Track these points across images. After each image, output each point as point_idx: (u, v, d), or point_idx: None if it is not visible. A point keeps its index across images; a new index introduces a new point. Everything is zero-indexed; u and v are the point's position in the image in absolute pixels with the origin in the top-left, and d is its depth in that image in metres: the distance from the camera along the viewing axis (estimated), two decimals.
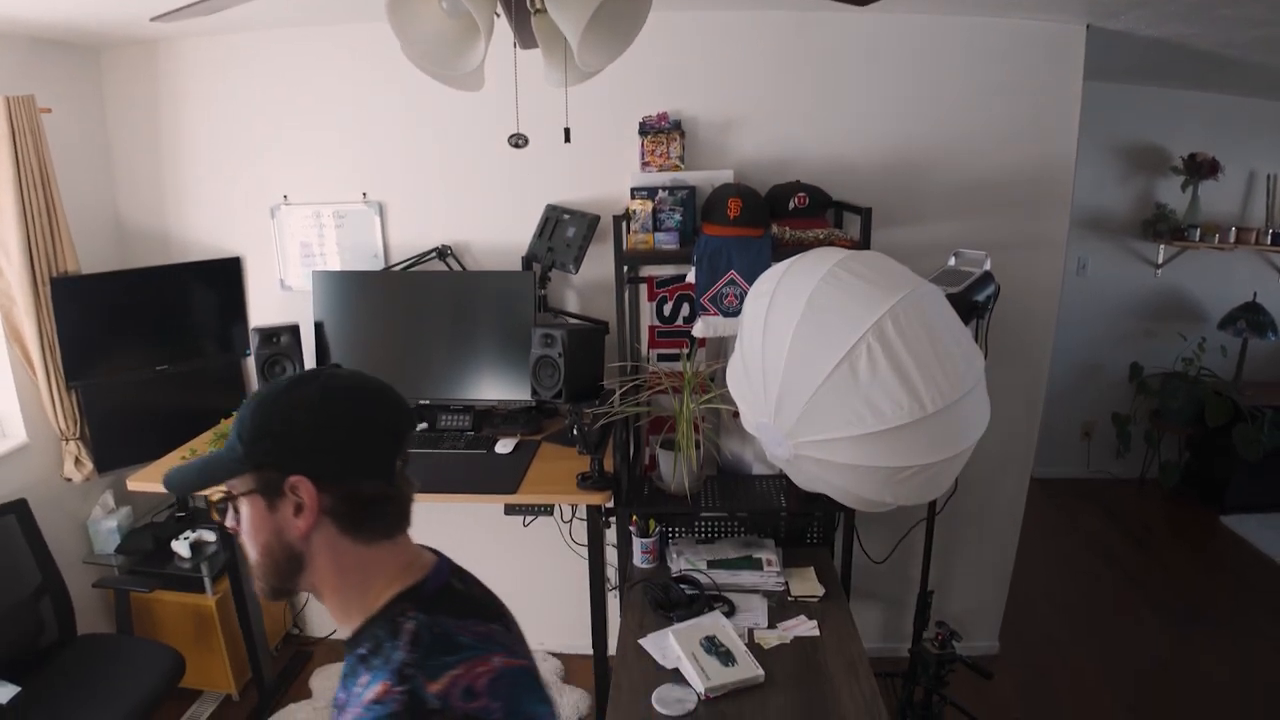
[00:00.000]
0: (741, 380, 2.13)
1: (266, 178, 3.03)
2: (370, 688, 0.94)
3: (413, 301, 2.86)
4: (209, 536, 3.03)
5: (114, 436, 2.97)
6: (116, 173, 3.15)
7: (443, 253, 2.91)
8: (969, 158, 2.76)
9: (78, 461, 2.92)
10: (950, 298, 2.09)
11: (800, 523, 2.79)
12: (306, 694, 3.24)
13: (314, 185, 3.01)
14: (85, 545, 3.07)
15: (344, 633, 1.02)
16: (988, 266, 2.43)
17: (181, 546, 2.97)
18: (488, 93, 1.48)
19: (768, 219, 2.49)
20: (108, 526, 3.05)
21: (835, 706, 1.95)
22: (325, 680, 3.30)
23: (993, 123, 2.73)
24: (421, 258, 2.92)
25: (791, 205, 2.52)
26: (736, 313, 2.36)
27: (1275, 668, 3.26)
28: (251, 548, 1.02)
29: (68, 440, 2.89)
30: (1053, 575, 4.01)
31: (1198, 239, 4.46)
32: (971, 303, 2.36)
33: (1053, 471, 4.96)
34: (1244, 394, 4.41)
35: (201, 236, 3.14)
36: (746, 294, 2.19)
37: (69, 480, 2.94)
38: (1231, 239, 4.45)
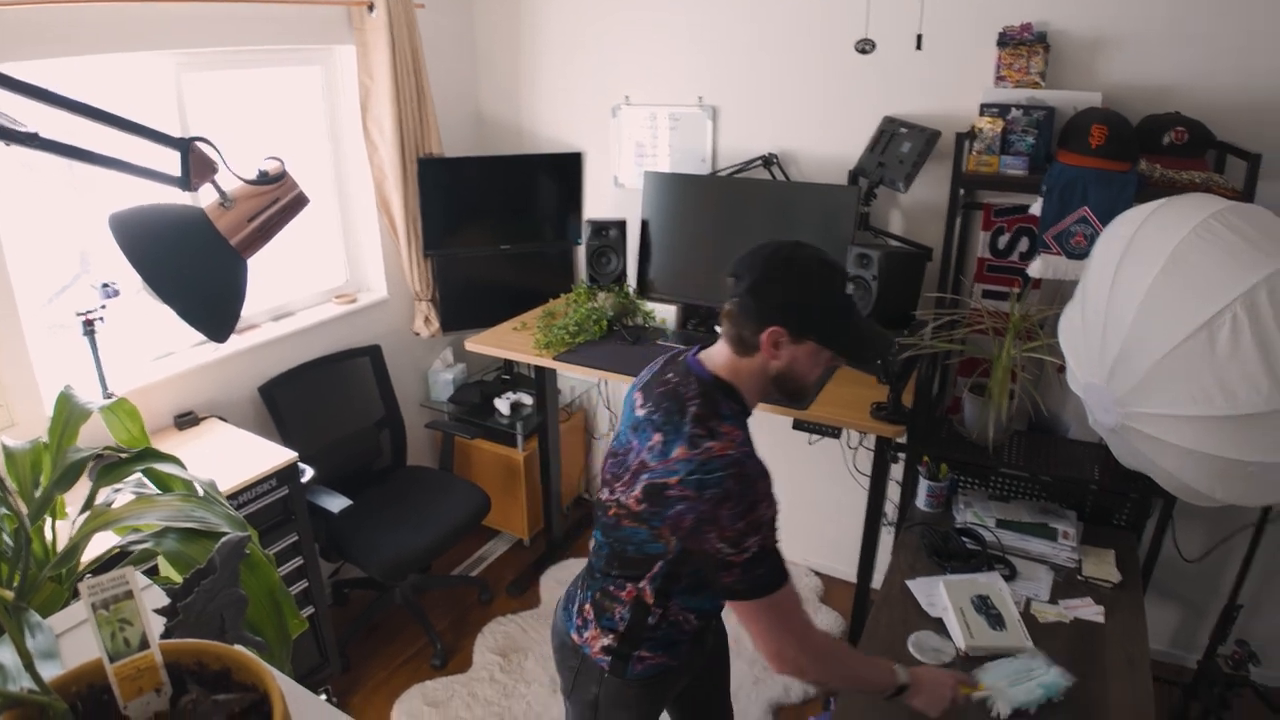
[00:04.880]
0: (1077, 332, 1.95)
1: (611, 77, 3.19)
2: None
3: (734, 207, 2.90)
4: (527, 399, 3.38)
5: (458, 302, 3.36)
6: (479, 66, 3.48)
7: (768, 161, 2.90)
8: None
9: (426, 320, 3.33)
10: None
11: (1110, 501, 2.52)
12: (586, 553, 3.52)
13: (654, 87, 3.12)
14: (423, 391, 3.55)
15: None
16: None
17: (503, 404, 3.34)
18: None
19: (1136, 153, 2.19)
20: (445, 378, 3.49)
21: (1102, 700, 1.76)
22: None
23: None
24: (747, 165, 2.94)
25: (1166, 140, 2.19)
26: (1084, 255, 2.14)
27: None
28: None
29: (420, 300, 3.31)
30: None
31: None
32: None
33: None
34: None
35: (549, 130, 3.41)
36: (1099, 235, 1.98)
37: (417, 334, 3.38)
38: None
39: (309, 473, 2.50)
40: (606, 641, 1.56)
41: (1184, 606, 2.93)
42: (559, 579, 3.33)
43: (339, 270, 3.25)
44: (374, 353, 3.16)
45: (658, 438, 1.36)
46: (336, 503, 2.63)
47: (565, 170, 3.33)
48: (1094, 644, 1.96)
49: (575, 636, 1.62)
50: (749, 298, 1.36)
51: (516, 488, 3.40)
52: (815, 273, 1.38)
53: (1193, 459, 1.71)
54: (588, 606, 1.60)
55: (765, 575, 1.32)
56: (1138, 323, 1.71)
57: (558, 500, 3.44)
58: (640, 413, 1.45)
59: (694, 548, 1.34)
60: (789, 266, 1.37)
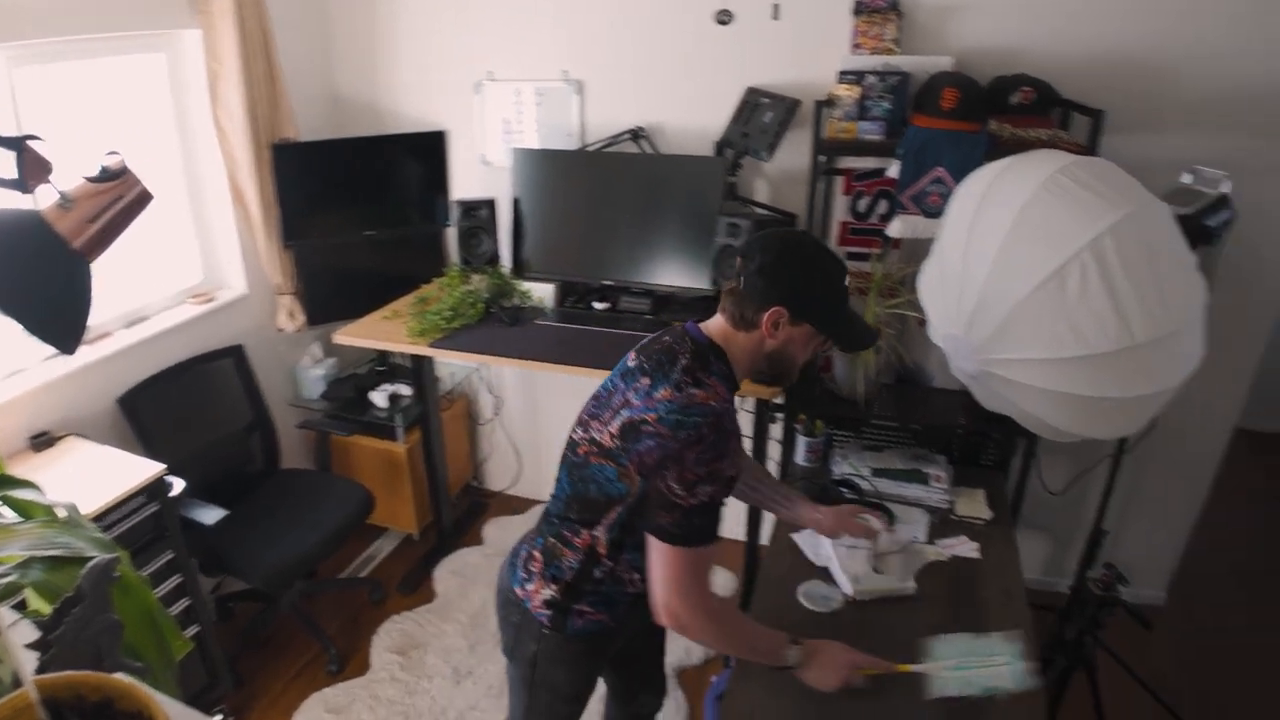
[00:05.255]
0: (935, 287, 2.04)
1: (473, 53, 3.11)
2: None
3: (604, 182, 2.90)
4: (404, 390, 3.28)
5: (324, 293, 3.21)
6: (333, 45, 3.32)
7: (636, 134, 2.91)
8: (1226, 63, 2.42)
9: (291, 314, 3.18)
10: (1180, 219, 1.89)
11: (976, 443, 2.68)
12: (479, 541, 3.52)
13: (518, 62, 3.07)
14: (293, 390, 3.38)
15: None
16: (1226, 189, 2.18)
17: (379, 397, 3.22)
18: None
19: (986, 113, 2.32)
20: (315, 374, 3.34)
21: (982, 630, 1.87)
22: (497, 530, 3.57)
23: (1263, 24, 2.39)
24: (615, 139, 2.95)
25: (1014, 100, 2.33)
26: (940, 214, 2.23)
27: None
28: None
29: (282, 294, 3.15)
30: (1242, 538, 3.69)
31: None
32: (1202, 227, 2.13)
33: (1263, 424, 4.47)
34: None
35: (410, 109, 3.30)
36: (953, 194, 2.07)
37: (281, 330, 3.22)
38: None
39: (179, 485, 2.37)
40: (548, 594, 1.59)
41: (1053, 536, 3.16)
42: (453, 570, 3.28)
43: (194, 268, 3.05)
44: (237, 353, 3.00)
45: (645, 380, 1.43)
46: (211, 514, 2.51)
47: (429, 150, 3.22)
48: (972, 579, 2.08)
49: (518, 590, 1.65)
50: (758, 278, 1.42)
51: (400, 482, 3.32)
52: (822, 262, 1.46)
53: (1050, 399, 1.82)
54: (537, 554, 1.63)
55: (701, 526, 1.38)
56: (992, 275, 1.79)
57: (445, 491, 3.37)
58: (632, 363, 1.50)
59: (650, 486, 1.38)
60: (799, 252, 1.45)
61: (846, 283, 1.48)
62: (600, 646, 1.68)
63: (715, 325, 1.51)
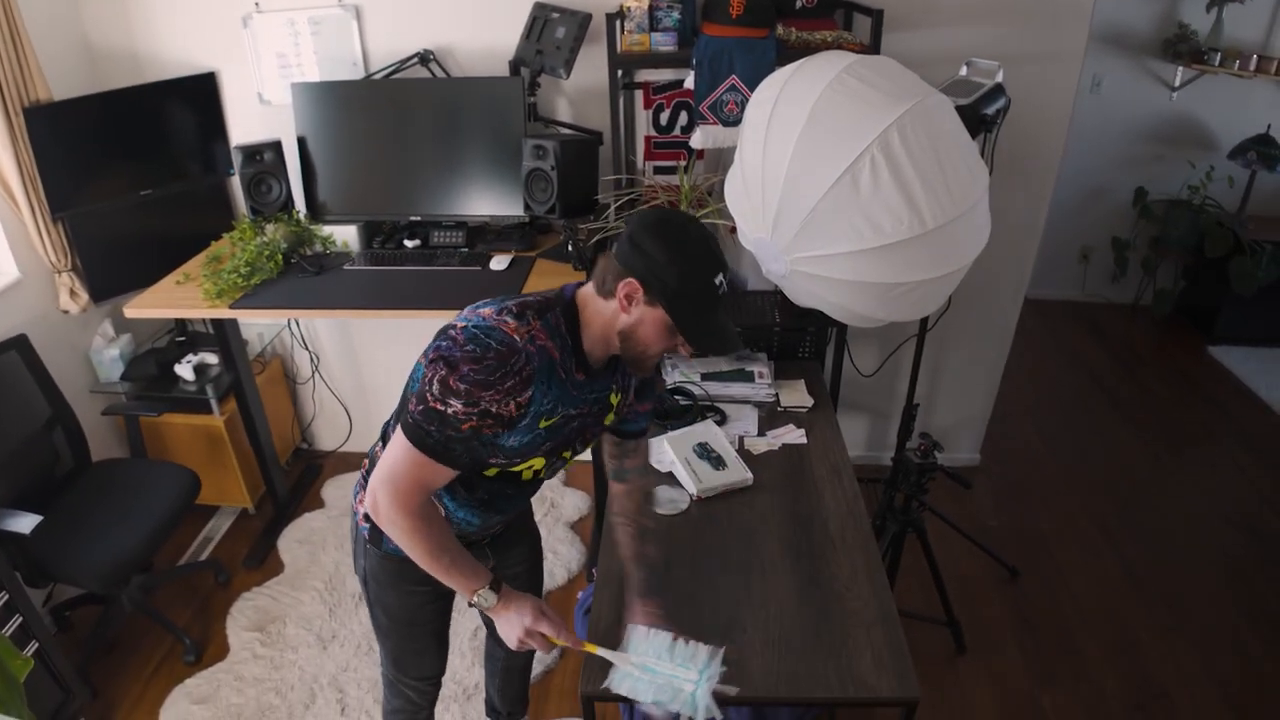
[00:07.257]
0: (740, 194, 2.07)
1: None
2: None
3: (397, 112, 2.75)
4: (211, 359, 3.07)
5: (106, 265, 2.94)
6: None
7: (425, 58, 2.76)
8: None
9: (73, 293, 2.91)
10: (959, 109, 1.99)
11: (793, 337, 2.81)
12: (320, 504, 3.40)
13: None
14: (90, 375, 3.11)
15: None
16: (1000, 79, 2.31)
17: (185, 370, 3.01)
18: None
19: (773, 18, 2.34)
20: (110, 355, 3.07)
21: (819, 507, 2.03)
22: (337, 490, 3.46)
23: None
24: (403, 64, 2.79)
25: (799, 3, 2.38)
26: (737, 121, 2.27)
27: (1241, 494, 3.40)
28: None
29: (60, 273, 2.87)
30: (1038, 394, 4.11)
31: (1218, 64, 4.24)
32: (981, 116, 2.27)
33: (1047, 292, 4.97)
34: (1246, 227, 4.33)
35: (173, 53, 2.98)
36: (748, 101, 2.08)
37: (66, 312, 2.94)
38: (1252, 66, 4.21)
39: None
40: (368, 505, 1.54)
41: (871, 414, 3.38)
42: (298, 539, 3.16)
43: None
44: (20, 344, 2.67)
45: (486, 300, 1.39)
46: (25, 521, 2.29)
47: (199, 94, 2.96)
48: (802, 462, 2.21)
49: (355, 501, 1.63)
50: (625, 243, 1.34)
51: (224, 456, 3.13)
52: (695, 247, 1.34)
53: (855, 289, 1.89)
54: (365, 462, 1.63)
55: (433, 437, 1.30)
56: (790, 177, 1.82)
57: (274, 458, 3.21)
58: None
59: (422, 375, 1.32)
60: (672, 232, 1.33)
61: (718, 281, 1.36)
62: (418, 573, 1.56)
63: (585, 288, 1.44)
